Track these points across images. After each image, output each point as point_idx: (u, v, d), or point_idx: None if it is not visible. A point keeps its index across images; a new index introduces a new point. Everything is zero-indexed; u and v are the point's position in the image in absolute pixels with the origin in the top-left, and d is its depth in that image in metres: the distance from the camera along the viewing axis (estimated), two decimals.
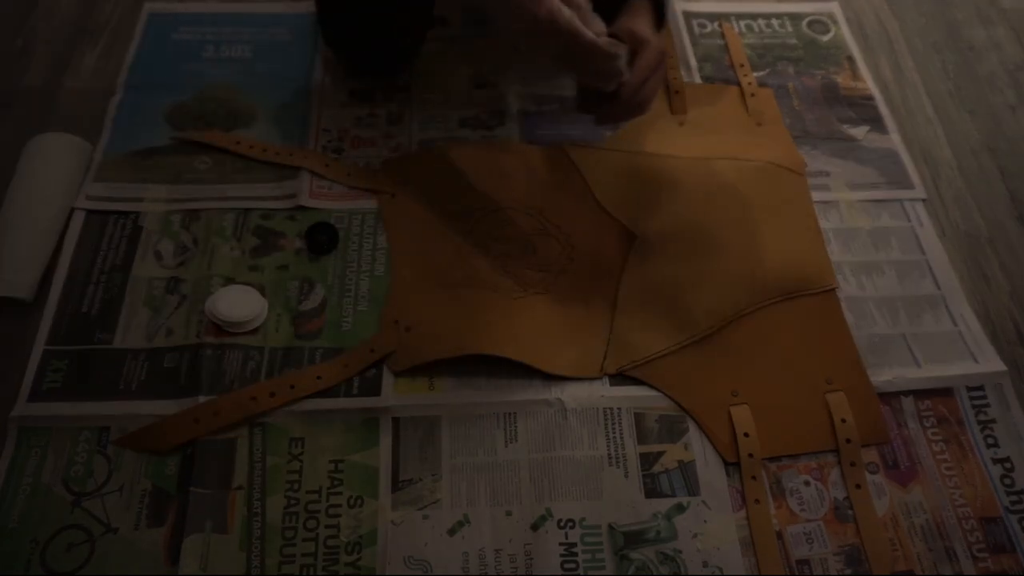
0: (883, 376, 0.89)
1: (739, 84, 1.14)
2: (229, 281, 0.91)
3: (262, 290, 0.91)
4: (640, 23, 0.88)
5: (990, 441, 0.86)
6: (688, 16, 1.23)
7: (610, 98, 0.88)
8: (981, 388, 0.89)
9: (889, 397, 0.88)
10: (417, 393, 0.85)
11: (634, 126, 1.09)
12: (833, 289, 0.94)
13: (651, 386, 0.87)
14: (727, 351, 0.89)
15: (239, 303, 0.88)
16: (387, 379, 0.86)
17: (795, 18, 1.25)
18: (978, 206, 1.06)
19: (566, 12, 0.75)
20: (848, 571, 0.78)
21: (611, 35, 0.83)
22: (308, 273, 0.93)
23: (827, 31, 1.24)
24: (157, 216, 0.96)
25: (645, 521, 0.79)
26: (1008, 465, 0.85)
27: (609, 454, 0.83)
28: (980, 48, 1.25)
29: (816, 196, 1.03)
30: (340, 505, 0.79)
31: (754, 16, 1.24)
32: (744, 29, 1.22)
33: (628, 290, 0.92)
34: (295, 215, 0.97)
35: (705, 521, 0.80)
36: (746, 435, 0.84)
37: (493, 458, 0.82)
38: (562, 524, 0.79)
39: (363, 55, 1.07)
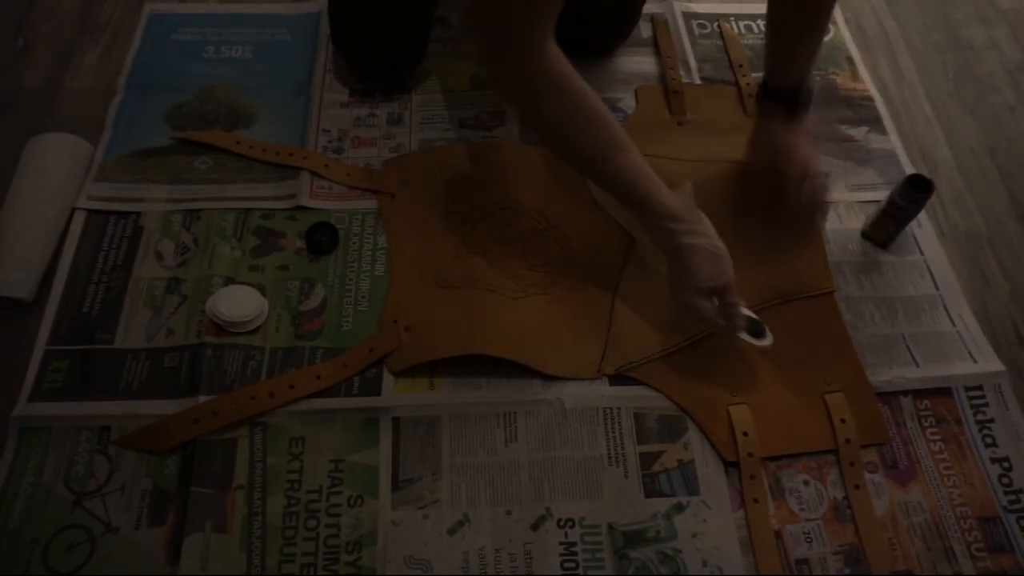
0: (882, 376, 0.89)
1: (737, 85, 1.14)
2: (229, 281, 0.91)
3: (262, 290, 0.91)
4: (781, 136, 0.94)
5: (988, 441, 0.86)
6: (688, 17, 1.23)
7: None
8: (980, 388, 0.90)
9: (888, 397, 0.88)
10: (417, 393, 0.85)
11: (633, 126, 1.09)
12: (831, 292, 0.94)
13: (650, 386, 0.87)
14: (725, 352, 0.89)
15: (240, 303, 0.88)
16: (387, 379, 0.86)
17: None
18: (978, 206, 1.07)
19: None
20: (847, 571, 0.78)
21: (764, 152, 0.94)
22: (308, 273, 0.93)
23: (826, 32, 1.24)
24: (157, 216, 0.96)
25: (645, 521, 0.79)
26: (1006, 465, 0.85)
27: (609, 454, 0.83)
28: (980, 48, 1.25)
29: None
30: (340, 505, 0.79)
31: (753, 17, 1.24)
32: (743, 30, 1.22)
33: (626, 291, 0.92)
34: (295, 215, 0.98)
35: (705, 521, 0.80)
36: (745, 434, 0.84)
37: (493, 458, 0.82)
38: (562, 523, 0.79)
39: (369, 55, 1.07)
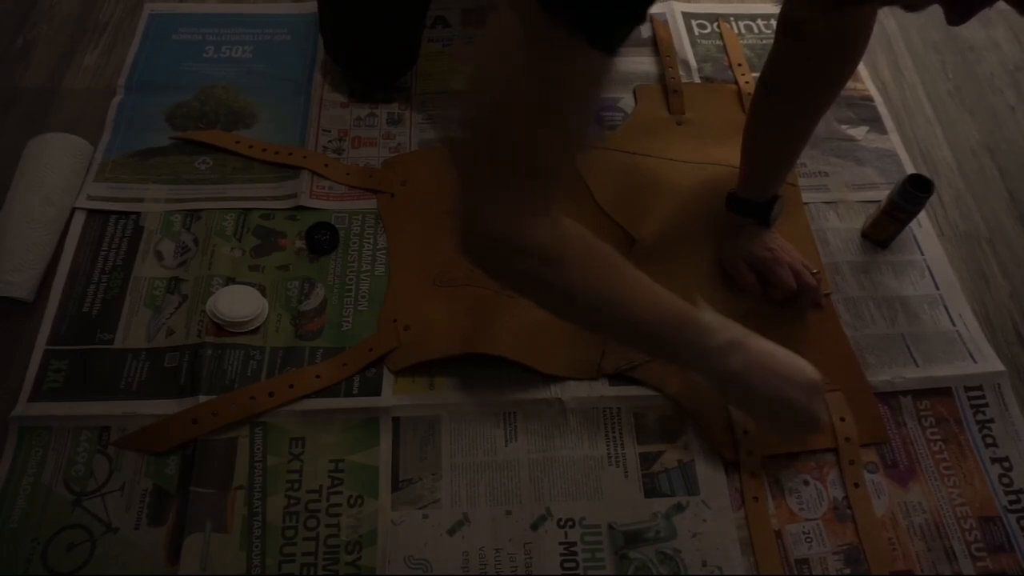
0: (882, 376, 0.89)
1: (737, 84, 1.14)
2: (230, 281, 0.91)
3: (262, 290, 0.91)
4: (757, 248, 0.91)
5: (988, 441, 0.86)
6: (688, 17, 1.23)
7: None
8: (979, 388, 0.90)
9: (888, 397, 0.88)
10: (417, 393, 0.85)
11: (632, 126, 1.09)
12: (828, 294, 0.94)
13: (650, 386, 0.87)
14: None
15: (240, 303, 0.88)
16: (387, 379, 0.86)
17: None
18: (978, 206, 1.07)
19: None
20: (847, 570, 0.78)
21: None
22: (308, 273, 0.93)
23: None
24: (158, 216, 0.96)
25: (645, 521, 0.79)
26: (1007, 465, 0.85)
27: (609, 454, 0.83)
28: (980, 48, 1.25)
29: (815, 196, 1.04)
30: (340, 505, 0.79)
31: (753, 17, 1.24)
32: (743, 30, 1.22)
33: None
34: (295, 215, 0.98)
35: (704, 520, 0.80)
36: (745, 433, 0.84)
37: (493, 458, 0.82)
38: (562, 523, 0.79)
39: (364, 63, 1.07)
